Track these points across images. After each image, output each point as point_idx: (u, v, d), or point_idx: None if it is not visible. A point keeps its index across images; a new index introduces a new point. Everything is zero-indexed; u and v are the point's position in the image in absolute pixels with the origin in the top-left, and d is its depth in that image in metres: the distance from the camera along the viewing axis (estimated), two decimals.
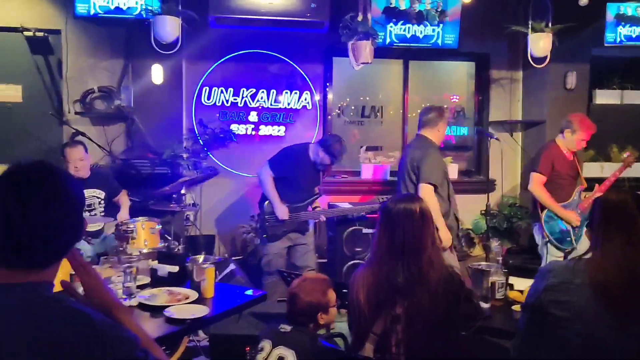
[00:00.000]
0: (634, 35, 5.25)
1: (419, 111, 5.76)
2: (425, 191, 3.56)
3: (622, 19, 5.23)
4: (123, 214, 4.02)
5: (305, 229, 4.17)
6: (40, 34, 4.77)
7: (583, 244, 3.72)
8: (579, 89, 5.46)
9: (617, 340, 1.55)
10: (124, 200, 4.23)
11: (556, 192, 3.99)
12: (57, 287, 1.24)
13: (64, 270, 1.36)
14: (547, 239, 4.00)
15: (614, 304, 1.57)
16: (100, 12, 4.64)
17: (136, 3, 4.63)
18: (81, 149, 3.99)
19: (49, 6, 4.88)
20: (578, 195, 4.04)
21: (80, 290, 1.32)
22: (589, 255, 1.71)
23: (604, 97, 5.87)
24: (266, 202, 4.09)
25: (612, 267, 1.60)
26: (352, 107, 5.76)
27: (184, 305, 2.35)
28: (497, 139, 4.71)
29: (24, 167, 1.17)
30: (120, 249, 3.24)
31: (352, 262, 4.54)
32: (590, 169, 5.29)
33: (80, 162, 3.92)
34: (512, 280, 2.59)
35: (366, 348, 1.93)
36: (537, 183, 3.99)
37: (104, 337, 1.12)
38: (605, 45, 5.22)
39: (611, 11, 5.19)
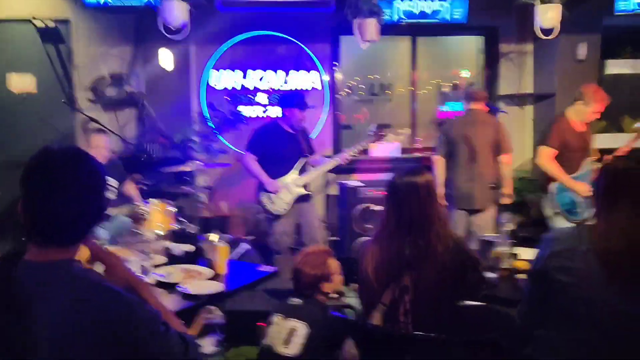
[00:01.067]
0: None
1: (429, 87, 5.84)
2: None
3: None
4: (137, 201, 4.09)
5: (308, 196, 4.19)
6: (51, 23, 4.83)
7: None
8: (590, 59, 5.39)
9: (621, 306, 1.58)
10: (130, 188, 4.29)
11: (567, 165, 3.97)
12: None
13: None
14: (557, 211, 4.01)
15: (618, 270, 1.59)
16: (109, 0, 4.68)
17: None
18: (106, 137, 4.07)
19: None
20: (588, 166, 4.02)
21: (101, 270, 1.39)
22: (592, 222, 1.73)
23: (616, 67, 5.79)
24: (259, 186, 4.14)
25: (616, 234, 1.62)
26: (361, 86, 5.77)
27: (200, 282, 2.43)
28: (505, 112, 4.69)
29: (55, 150, 1.24)
30: (135, 230, 3.32)
31: (362, 238, 4.60)
32: (602, 140, 5.24)
33: (104, 149, 4.01)
34: (518, 250, 2.63)
35: (375, 317, 1.99)
36: (546, 156, 3.97)
37: (132, 311, 1.19)
38: (616, 13, 5.14)
39: None
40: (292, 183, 4.09)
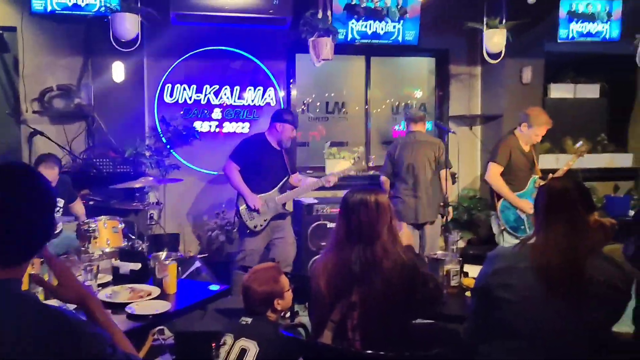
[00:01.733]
0: (585, 32, 5.46)
1: (383, 106, 5.95)
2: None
3: (574, 16, 5.43)
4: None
5: (285, 214, 4.20)
6: None
7: None
8: (534, 83, 5.64)
9: (559, 321, 1.65)
10: (78, 208, 4.17)
11: (512, 182, 4.15)
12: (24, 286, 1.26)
13: None
14: (503, 228, 4.16)
15: (555, 286, 1.66)
16: (57, 8, 4.55)
17: (95, 0, 4.57)
18: (56, 168, 3.91)
19: (4, 2, 4.76)
20: (532, 184, 4.19)
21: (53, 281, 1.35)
22: (533, 240, 1.80)
23: (559, 91, 6.10)
24: (239, 198, 4.11)
25: (553, 251, 1.69)
26: (317, 104, 5.82)
27: (147, 302, 2.36)
28: (453, 132, 4.87)
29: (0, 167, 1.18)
30: (82, 248, 3.21)
31: (317, 256, 4.60)
32: (546, 161, 5.50)
33: (54, 177, 3.86)
34: (467, 268, 2.69)
35: (325, 335, 1.99)
36: (493, 173, 4.15)
37: (77, 333, 1.14)
38: (559, 41, 5.42)
39: (564, 8, 5.38)
40: (272, 200, 4.09)
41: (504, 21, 4.69)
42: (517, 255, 1.77)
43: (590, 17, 5.45)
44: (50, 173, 3.82)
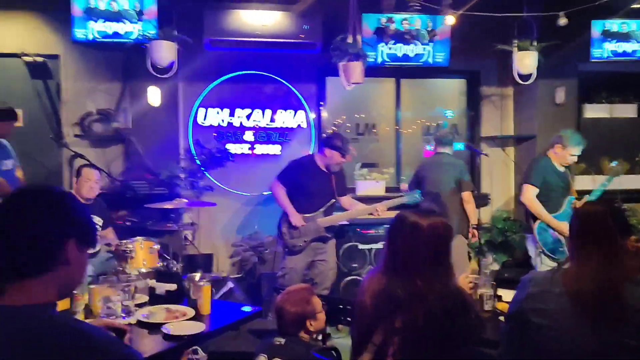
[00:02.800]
0: (620, 51, 5.39)
1: (414, 127, 5.96)
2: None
3: (608, 35, 5.38)
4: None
5: (327, 237, 4.18)
6: (40, 59, 4.90)
7: None
8: (568, 103, 5.57)
9: (592, 347, 1.61)
10: (110, 236, 4.25)
11: (548, 204, 4.08)
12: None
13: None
14: (541, 250, 4.08)
15: (589, 313, 1.63)
16: (98, 37, 4.75)
17: (133, 28, 4.76)
18: (97, 171, 4.09)
19: (48, 32, 5.00)
20: (568, 205, 4.11)
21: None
22: (567, 265, 1.78)
23: (593, 111, 5.99)
24: (282, 217, 4.15)
25: (586, 276, 1.67)
26: (348, 125, 5.87)
27: (182, 322, 2.40)
28: (486, 154, 4.84)
29: (28, 190, 1.27)
30: (120, 269, 3.29)
31: (349, 277, 4.60)
32: (582, 182, 5.38)
33: (95, 183, 4.01)
34: (501, 292, 2.65)
35: (364, 357, 1.97)
36: (529, 194, 4.08)
37: (104, 350, 1.15)
38: (592, 60, 5.36)
39: (597, 28, 5.33)
40: (314, 221, 4.10)
41: (535, 43, 4.68)
42: (551, 280, 1.75)
43: (625, 37, 5.38)
44: (94, 173, 4.01)
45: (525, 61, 4.61)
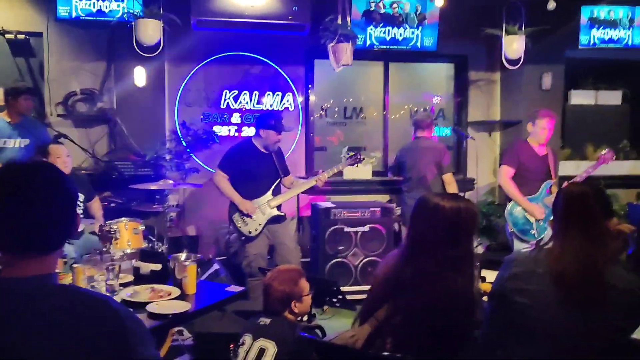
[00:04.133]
0: (606, 38, 5.42)
1: (401, 112, 5.96)
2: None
3: (595, 22, 5.40)
4: (100, 220, 4.04)
5: (281, 217, 4.16)
6: (22, 36, 4.80)
7: (548, 236, 3.87)
8: (554, 89, 5.60)
9: (575, 327, 1.64)
10: (96, 206, 4.25)
11: (524, 186, 4.14)
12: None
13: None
14: (511, 230, 4.16)
15: (572, 292, 1.65)
16: (82, 14, 4.67)
17: (118, 6, 4.67)
18: (64, 147, 4.10)
19: (31, 9, 4.89)
20: (545, 188, 4.17)
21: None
22: (550, 245, 1.80)
23: (579, 97, 6.04)
24: (231, 206, 4.12)
25: (569, 257, 1.69)
26: (335, 109, 5.85)
27: (166, 302, 2.40)
28: (472, 138, 4.88)
29: (20, 163, 1.25)
30: (104, 249, 3.27)
31: (334, 260, 4.62)
32: (566, 167, 5.44)
33: (67, 157, 4.00)
34: (485, 273, 2.68)
35: (363, 328, 1.98)
36: (504, 175, 4.19)
37: (121, 317, 1.17)
38: (580, 47, 5.38)
39: (585, 14, 5.35)
40: (265, 204, 4.08)
41: (523, 27, 4.68)
42: (534, 260, 1.77)
43: (612, 24, 5.41)
44: (62, 149, 4.04)
45: (513, 46, 4.63)
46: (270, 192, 4.12)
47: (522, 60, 4.73)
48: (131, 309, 1.29)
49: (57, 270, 2.23)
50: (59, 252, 1.25)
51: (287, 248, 4.18)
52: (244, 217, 4.05)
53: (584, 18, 5.34)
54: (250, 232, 4.06)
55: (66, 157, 4.01)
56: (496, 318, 1.82)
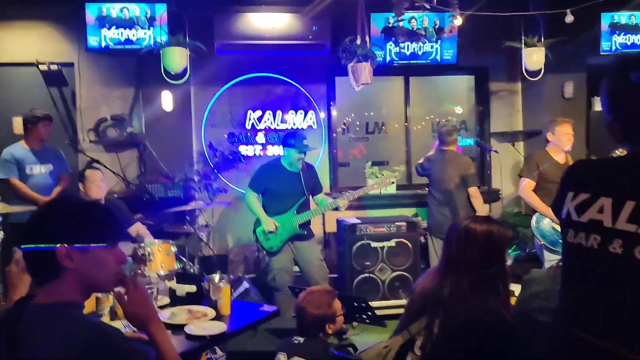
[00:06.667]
0: (629, 43, 5.39)
1: (423, 123, 6.00)
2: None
3: (616, 28, 5.38)
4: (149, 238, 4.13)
5: (306, 236, 4.28)
6: (55, 67, 4.99)
7: None
8: (577, 97, 5.57)
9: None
10: (142, 231, 4.34)
11: (547, 197, 4.07)
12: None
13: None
14: (541, 243, 4.11)
15: None
16: (111, 44, 4.85)
17: (145, 34, 4.85)
18: (100, 173, 4.19)
19: (62, 40, 5.10)
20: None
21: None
22: None
23: None
24: (255, 222, 4.28)
25: None
26: (357, 124, 5.92)
27: (203, 323, 2.48)
28: (495, 151, 4.87)
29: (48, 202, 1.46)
30: (139, 271, 3.38)
31: (362, 275, 4.65)
32: None
33: (102, 183, 4.11)
34: (514, 287, 2.69)
35: (395, 340, 2.03)
36: (523, 186, 4.19)
37: (115, 347, 1.28)
38: (602, 54, 5.36)
39: (605, 20, 5.34)
40: (288, 221, 4.19)
41: (542, 39, 4.69)
42: (553, 278, 1.78)
43: (634, 29, 5.38)
44: (98, 174, 4.09)
45: (533, 58, 4.65)
46: (293, 210, 4.23)
47: (542, 71, 4.74)
48: (125, 336, 1.42)
49: (97, 296, 2.33)
50: (64, 282, 1.34)
51: (312, 265, 4.27)
52: (266, 234, 4.19)
53: (604, 24, 5.33)
54: (271, 248, 4.21)
55: (101, 183, 4.11)
56: (520, 338, 1.83)
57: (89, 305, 2.57)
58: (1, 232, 3.77)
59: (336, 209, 4.28)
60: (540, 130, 5.55)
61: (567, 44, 4.99)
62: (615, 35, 5.38)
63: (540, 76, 4.77)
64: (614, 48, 5.37)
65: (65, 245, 1.31)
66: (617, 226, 1.21)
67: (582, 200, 1.30)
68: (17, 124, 4.94)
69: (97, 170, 4.22)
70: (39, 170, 4.44)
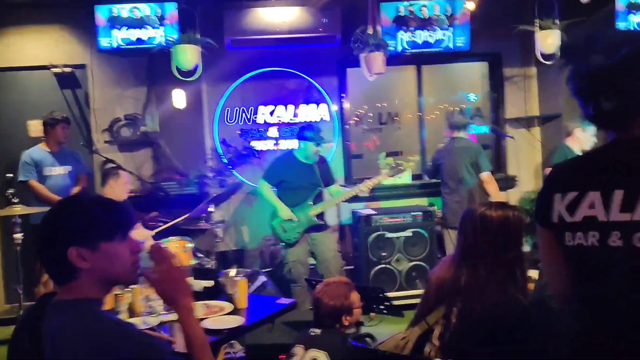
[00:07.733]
0: None
1: (437, 112, 5.93)
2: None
3: (632, 7, 5.25)
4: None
5: (320, 226, 4.30)
6: (67, 69, 5.04)
7: None
8: None
9: None
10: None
11: None
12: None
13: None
14: None
15: None
16: (122, 44, 4.88)
17: (156, 33, 4.86)
18: (127, 173, 4.34)
19: (74, 43, 5.14)
20: None
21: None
22: None
23: None
24: (272, 213, 4.31)
25: None
26: (370, 115, 5.88)
27: (220, 317, 2.49)
28: (511, 137, 4.80)
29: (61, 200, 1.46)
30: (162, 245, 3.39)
31: (378, 267, 4.64)
32: None
33: (128, 185, 4.22)
34: (532, 273, 2.65)
35: (413, 331, 2.02)
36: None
37: (132, 340, 1.27)
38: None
39: (622, 0, 5.21)
40: (304, 212, 4.20)
41: (557, 21, 4.60)
42: None
43: None
44: (125, 176, 4.20)
45: (548, 40, 4.55)
46: (308, 201, 4.25)
47: (557, 54, 4.65)
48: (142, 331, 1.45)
49: (116, 293, 2.35)
50: (82, 281, 1.34)
51: (327, 256, 4.29)
52: (283, 225, 4.19)
53: (621, 4, 5.20)
54: (289, 240, 4.23)
55: (129, 185, 4.22)
56: (537, 326, 1.81)
57: (107, 303, 2.60)
58: (21, 233, 3.83)
59: (355, 197, 4.30)
60: (557, 113, 5.46)
61: (582, 25, 4.88)
62: (632, 15, 5.24)
63: (555, 60, 4.67)
64: (631, 27, 5.24)
65: (75, 248, 1.31)
66: (611, 218, 1.20)
67: (571, 199, 1.28)
68: (32, 127, 5.01)
69: (126, 171, 4.29)
70: (58, 172, 4.49)
